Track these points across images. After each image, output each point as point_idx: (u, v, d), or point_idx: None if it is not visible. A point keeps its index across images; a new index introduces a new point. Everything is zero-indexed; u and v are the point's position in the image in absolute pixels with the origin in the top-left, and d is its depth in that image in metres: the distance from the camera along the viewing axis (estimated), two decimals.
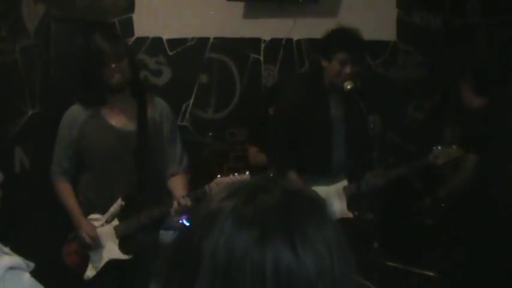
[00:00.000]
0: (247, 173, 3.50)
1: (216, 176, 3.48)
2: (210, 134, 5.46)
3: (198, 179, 5.22)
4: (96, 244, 3.54)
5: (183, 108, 5.90)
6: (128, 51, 3.72)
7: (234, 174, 3.51)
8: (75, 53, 5.22)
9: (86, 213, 3.61)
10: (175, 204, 3.55)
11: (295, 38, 6.03)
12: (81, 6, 5.68)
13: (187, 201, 3.48)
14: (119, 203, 3.52)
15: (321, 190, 4.11)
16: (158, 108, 3.73)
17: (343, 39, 4.10)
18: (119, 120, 3.61)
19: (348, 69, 4.01)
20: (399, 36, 6.34)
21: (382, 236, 4.79)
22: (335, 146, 4.20)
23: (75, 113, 3.63)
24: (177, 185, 3.70)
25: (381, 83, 6.28)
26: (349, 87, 3.95)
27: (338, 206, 4.16)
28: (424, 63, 6.38)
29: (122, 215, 3.55)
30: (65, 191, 3.67)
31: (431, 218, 5.06)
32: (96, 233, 3.52)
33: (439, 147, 4.30)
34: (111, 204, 3.55)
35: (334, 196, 4.17)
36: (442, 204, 4.95)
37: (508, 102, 5.41)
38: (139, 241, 3.63)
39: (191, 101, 5.92)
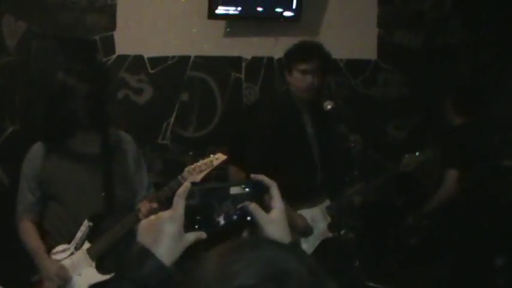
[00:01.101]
0: (218, 154, 3.48)
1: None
2: (191, 153, 5.41)
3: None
4: (69, 278, 3.35)
5: (164, 126, 5.88)
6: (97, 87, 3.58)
7: (202, 159, 3.49)
8: (55, 71, 5.20)
9: (54, 244, 3.43)
10: (142, 210, 3.42)
11: (276, 56, 6.03)
12: (63, 24, 5.66)
13: (153, 204, 3.40)
14: (86, 224, 3.37)
15: (307, 213, 4.09)
16: (121, 137, 3.64)
17: (301, 50, 4.14)
18: (81, 146, 3.50)
19: (309, 79, 4.01)
20: (380, 55, 6.37)
21: (363, 254, 4.80)
22: (314, 165, 4.17)
23: (36, 149, 3.46)
24: (145, 203, 3.60)
25: (362, 101, 6.29)
26: (329, 107, 3.94)
27: (323, 227, 4.14)
28: (405, 82, 6.41)
29: (91, 236, 3.43)
30: (28, 229, 3.49)
31: (414, 237, 5.06)
32: (66, 272, 3.34)
33: (407, 156, 4.31)
34: (78, 230, 3.41)
35: (319, 217, 4.14)
36: (424, 222, 4.96)
37: (488, 120, 5.46)
38: (119, 255, 3.40)
39: (172, 119, 5.90)
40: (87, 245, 3.41)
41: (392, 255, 5.31)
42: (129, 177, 3.61)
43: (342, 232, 4.10)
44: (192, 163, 3.45)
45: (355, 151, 4.18)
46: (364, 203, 4.36)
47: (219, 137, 5.94)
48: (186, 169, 3.44)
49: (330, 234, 4.15)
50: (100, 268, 3.41)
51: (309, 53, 4.12)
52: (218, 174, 5.86)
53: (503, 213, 4.79)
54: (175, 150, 5.90)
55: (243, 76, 6.03)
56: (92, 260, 3.39)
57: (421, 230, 5.00)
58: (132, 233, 3.31)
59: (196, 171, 3.44)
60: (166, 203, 3.35)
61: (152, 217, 1.43)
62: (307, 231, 4.06)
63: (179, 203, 1.40)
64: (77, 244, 3.39)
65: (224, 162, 3.59)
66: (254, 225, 1.45)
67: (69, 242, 3.42)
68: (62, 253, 3.41)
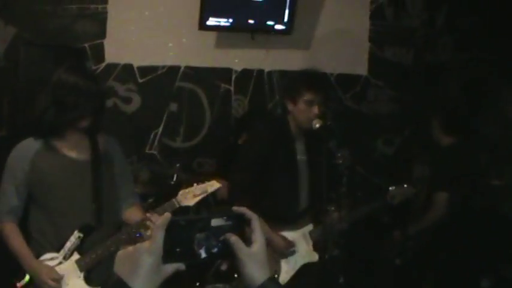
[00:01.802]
0: (212, 181, 3.47)
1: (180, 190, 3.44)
2: (178, 165, 5.39)
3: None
4: (62, 281, 3.31)
5: (152, 136, 5.85)
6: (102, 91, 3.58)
7: (197, 183, 3.47)
8: (44, 78, 5.16)
9: (40, 253, 3.35)
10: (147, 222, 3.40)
11: (266, 69, 6.02)
12: (52, 30, 5.62)
13: (156, 217, 3.35)
14: (76, 235, 3.32)
15: (288, 235, 4.08)
16: (110, 142, 3.61)
17: (309, 81, 4.05)
18: (71, 151, 3.43)
19: (315, 110, 3.95)
20: (371, 70, 6.37)
21: (348, 271, 4.77)
22: (300, 191, 4.16)
23: (25, 146, 3.37)
24: (135, 214, 3.59)
25: (351, 116, 6.29)
26: (317, 125, 3.91)
27: (305, 250, 4.13)
28: (395, 98, 6.41)
29: (81, 248, 3.39)
30: (13, 232, 3.38)
31: (399, 257, 5.05)
32: (58, 274, 3.28)
33: (394, 188, 4.30)
34: (67, 239, 3.33)
35: (301, 240, 4.13)
36: (410, 242, 4.94)
37: (476, 140, 5.46)
38: (107, 270, 3.28)
39: (160, 129, 5.87)
40: (76, 256, 3.36)
41: (378, 274, 5.29)
42: (116, 186, 3.59)
43: (327, 255, 4.09)
44: (187, 187, 3.43)
45: (343, 167, 4.14)
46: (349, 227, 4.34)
47: (207, 148, 5.93)
48: (180, 193, 3.43)
49: (312, 258, 4.13)
50: (88, 280, 3.37)
51: (317, 84, 4.06)
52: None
53: (490, 234, 4.78)
54: (162, 160, 5.86)
55: (232, 88, 6.01)
56: (81, 271, 3.36)
57: (407, 250, 4.98)
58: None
59: (191, 195, 3.44)
60: None
61: (130, 248, 1.40)
62: (287, 252, 4.04)
63: (158, 235, 1.36)
64: (66, 254, 3.35)
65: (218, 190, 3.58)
66: (234, 258, 1.42)
67: (57, 251, 3.37)
68: (50, 261, 3.35)
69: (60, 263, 3.35)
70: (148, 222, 3.33)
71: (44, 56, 5.33)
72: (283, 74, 6.02)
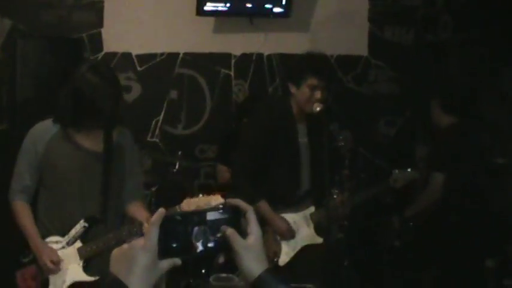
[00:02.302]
0: (216, 193, 3.50)
1: (185, 197, 3.46)
2: (180, 153, 5.39)
3: (170, 196, 5.23)
4: (62, 266, 3.44)
5: (153, 124, 5.84)
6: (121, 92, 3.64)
7: (202, 195, 3.50)
8: (42, 69, 5.16)
9: (46, 235, 3.45)
10: (145, 224, 3.49)
11: (265, 52, 5.99)
12: (49, 22, 5.60)
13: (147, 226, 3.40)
14: (81, 224, 3.42)
15: (289, 217, 4.10)
16: (124, 136, 3.65)
17: (313, 65, 4.03)
18: (86, 141, 3.51)
19: (318, 95, 3.95)
20: (371, 51, 6.34)
21: (352, 253, 4.79)
22: (302, 173, 4.16)
23: (42, 128, 3.50)
24: (140, 211, 3.64)
25: (352, 98, 6.26)
26: (318, 109, 3.90)
27: (306, 232, 4.13)
28: (396, 78, 6.38)
29: (84, 237, 3.47)
30: (24, 211, 3.48)
31: (399, 239, 5.05)
32: (58, 257, 3.39)
33: (397, 171, 4.31)
34: (72, 226, 3.44)
35: (302, 223, 4.14)
36: (410, 223, 4.94)
37: (478, 120, 5.43)
38: (107, 262, 3.47)
39: (161, 117, 5.86)
40: (78, 243, 3.45)
41: (379, 257, 5.29)
42: (124, 181, 3.65)
43: (331, 237, 4.10)
44: (192, 196, 3.45)
45: (345, 149, 4.14)
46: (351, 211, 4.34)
47: (209, 134, 5.92)
48: (185, 201, 3.45)
49: (313, 241, 4.14)
50: (86, 269, 3.45)
51: (321, 68, 4.05)
52: (207, 171, 5.89)
53: (494, 214, 4.77)
54: (164, 147, 5.85)
55: (232, 73, 5.98)
56: (81, 259, 3.44)
57: (406, 232, 4.99)
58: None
59: (194, 206, 3.45)
60: None
61: (125, 246, 1.39)
62: (289, 234, 4.05)
63: (152, 232, 1.36)
64: (70, 240, 3.46)
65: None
66: (230, 251, 1.41)
67: (62, 236, 3.46)
68: (54, 244, 3.45)
69: (63, 247, 3.44)
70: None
71: (41, 48, 5.32)
72: (282, 57, 5.99)
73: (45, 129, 3.48)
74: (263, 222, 3.93)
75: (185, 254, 1.39)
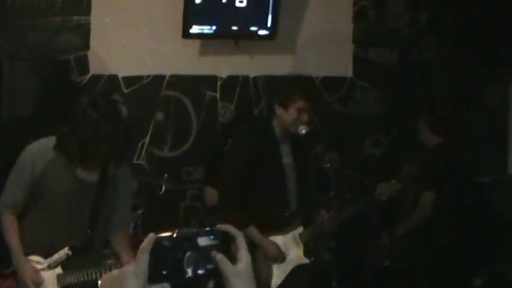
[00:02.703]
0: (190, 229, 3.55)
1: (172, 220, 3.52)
2: (166, 175, 5.38)
3: (156, 219, 5.21)
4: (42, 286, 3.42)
5: (139, 146, 5.82)
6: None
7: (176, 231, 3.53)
8: (28, 91, 5.15)
9: (28, 253, 3.42)
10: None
11: (251, 75, 6.02)
12: (36, 44, 5.59)
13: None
14: (65, 251, 3.40)
15: (278, 239, 4.09)
16: (120, 167, 3.64)
17: (301, 88, 4.05)
18: (83, 170, 3.50)
19: (305, 118, 3.97)
20: (356, 72, 6.39)
21: (340, 274, 4.78)
22: (289, 194, 4.16)
23: (42, 148, 3.45)
24: (124, 246, 3.66)
25: (338, 119, 6.30)
26: (303, 131, 3.92)
27: (296, 253, 4.14)
28: (381, 98, 6.43)
29: (66, 264, 3.45)
30: (11, 225, 3.46)
31: (389, 258, 5.06)
32: (40, 278, 3.36)
33: (381, 184, 4.33)
34: (56, 250, 3.42)
35: (291, 244, 4.14)
36: (400, 243, 4.95)
37: (463, 138, 5.48)
38: None
39: (147, 139, 5.85)
40: (59, 269, 3.43)
41: (369, 276, 5.30)
42: (113, 214, 3.64)
43: (319, 257, 4.11)
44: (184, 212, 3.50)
45: (331, 170, 4.16)
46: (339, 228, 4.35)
47: (195, 156, 5.92)
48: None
49: (303, 261, 4.14)
50: None
51: (309, 91, 4.08)
52: (194, 194, 5.89)
53: (480, 233, 4.80)
54: (150, 170, 5.85)
55: (218, 95, 6.00)
56: (58, 286, 3.42)
57: (397, 251, 5.00)
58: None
59: None
60: None
61: (115, 272, 1.39)
62: (279, 257, 4.06)
63: (142, 258, 1.35)
64: (51, 264, 3.44)
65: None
66: (220, 277, 1.41)
67: (44, 257, 3.44)
68: (36, 264, 3.43)
69: (44, 269, 3.42)
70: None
71: (28, 70, 5.31)
72: (268, 79, 6.02)
73: (44, 150, 3.45)
74: (253, 246, 3.94)
75: (175, 279, 1.39)
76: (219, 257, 1.41)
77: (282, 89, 4.20)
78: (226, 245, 1.44)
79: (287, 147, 4.16)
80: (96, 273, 3.39)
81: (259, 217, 4.02)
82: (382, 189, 4.31)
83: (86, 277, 3.40)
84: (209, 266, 1.41)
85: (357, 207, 4.34)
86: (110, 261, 3.53)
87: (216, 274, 1.41)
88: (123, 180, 3.68)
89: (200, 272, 1.40)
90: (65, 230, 3.46)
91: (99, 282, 3.36)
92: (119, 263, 3.47)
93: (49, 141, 3.46)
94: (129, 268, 1.36)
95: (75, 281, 3.41)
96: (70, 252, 3.41)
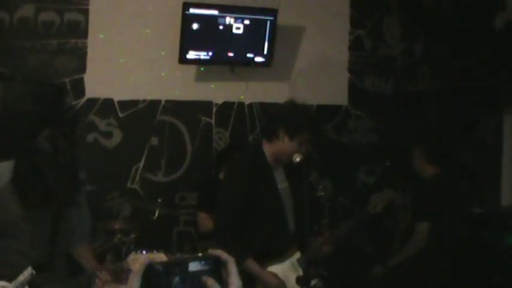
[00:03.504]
0: (160, 252, 3.55)
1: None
2: (159, 200, 5.37)
3: (149, 243, 5.18)
4: None
5: (133, 170, 5.82)
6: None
7: (146, 251, 3.55)
8: (23, 113, 5.14)
9: None
10: (97, 280, 3.51)
11: (247, 101, 6.04)
12: (32, 66, 5.60)
13: (106, 276, 3.47)
14: (29, 271, 3.40)
15: (278, 269, 4.04)
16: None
17: (312, 122, 4.04)
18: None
19: (303, 149, 3.95)
20: (351, 101, 6.42)
21: None
22: (287, 221, 4.14)
23: (3, 169, 3.50)
24: (86, 256, 3.68)
25: (333, 147, 6.31)
26: (298, 159, 3.90)
27: (295, 280, 4.10)
28: (375, 128, 6.46)
29: (32, 283, 3.44)
30: None
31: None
32: None
33: (374, 196, 4.29)
34: (19, 272, 3.41)
35: (290, 271, 4.10)
36: (392, 273, 4.93)
37: (458, 169, 5.49)
38: None
39: (141, 163, 5.84)
40: None
41: None
42: (74, 225, 3.62)
43: (312, 283, 4.06)
44: (136, 253, 3.55)
45: (324, 199, 4.14)
46: (334, 250, 4.33)
47: (189, 182, 5.91)
48: (130, 257, 3.51)
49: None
50: None
51: (316, 126, 4.08)
52: (186, 219, 5.87)
53: (473, 262, 4.80)
54: (144, 194, 5.83)
55: (213, 121, 6.01)
56: None
57: (389, 281, 4.98)
58: None
59: (138, 262, 3.50)
60: (120, 277, 3.45)
61: None
62: (280, 287, 4.02)
63: (134, 281, 1.36)
64: (17, 286, 3.40)
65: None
66: None
67: (9, 281, 3.36)
68: None
69: None
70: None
71: (23, 92, 5.31)
72: (263, 106, 6.06)
73: (2, 172, 3.45)
74: (253, 278, 3.91)
75: None
76: (210, 282, 1.41)
77: (293, 118, 4.11)
78: (217, 270, 1.45)
79: (280, 172, 4.14)
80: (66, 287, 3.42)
81: (257, 247, 3.97)
82: (375, 201, 4.27)
83: None
84: None
85: (351, 223, 4.30)
86: (76, 277, 3.53)
87: None
88: (79, 196, 3.67)
89: None
90: (27, 251, 3.44)
91: (127, 261, 3.42)
92: (87, 276, 3.48)
93: (5, 165, 3.44)
94: (159, 255, 1.36)
95: None
96: (34, 271, 3.41)
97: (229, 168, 4.34)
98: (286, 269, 4.09)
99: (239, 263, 1.48)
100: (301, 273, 4.09)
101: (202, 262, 1.44)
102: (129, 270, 3.50)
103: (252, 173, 3.99)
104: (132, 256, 3.50)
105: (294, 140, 3.92)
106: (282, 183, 4.11)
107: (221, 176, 5.03)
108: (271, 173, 4.06)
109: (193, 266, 1.43)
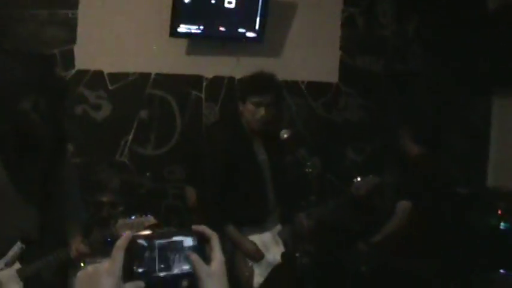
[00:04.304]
0: (149, 215, 3.58)
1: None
2: (148, 174, 5.37)
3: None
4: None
5: (122, 144, 5.80)
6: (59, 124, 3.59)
7: (135, 216, 3.57)
8: (12, 84, 5.10)
9: None
10: (73, 250, 3.54)
11: (237, 76, 6.03)
12: (21, 36, 5.55)
13: (84, 248, 3.49)
14: (18, 246, 3.42)
15: (257, 238, 4.11)
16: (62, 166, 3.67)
17: (257, 83, 4.15)
18: (26, 163, 3.48)
19: (261, 112, 4.05)
20: (341, 78, 6.42)
21: (317, 279, 4.79)
22: (266, 192, 4.19)
23: None
24: (76, 229, 3.71)
25: (322, 124, 6.33)
26: (285, 136, 3.95)
27: (276, 251, 4.16)
28: (365, 106, 6.47)
29: (23, 258, 3.46)
30: None
31: (365, 265, 5.07)
32: (2, 277, 3.37)
33: (359, 179, 4.34)
34: (9, 248, 3.42)
35: (271, 242, 4.17)
36: (376, 250, 4.96)
37: (445, 149, 5.51)
38: (46, 282, 3.56)
39: (130, 136, 5.82)
40: (17, 265, 3.45)
41: (345, 281, 5.31)
42: (63, 198, 3.63)
43: (297, 257, 4.11)
44: (125, 218, 3.56)
45: (312, 176, 4.17)
46: (317, 227, 4.36)
47: (178, 156, 5.90)
48: (120, 221, 3.53)
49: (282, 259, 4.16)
50: None
51: (263, 86, 4.14)
52: (176, 193, 5.88)
53: (456, 241, 4.84)
54: (133, 168, 5.83)
55: (203, 95, 6.00)
56: (21, 280, 3.44)
57: (373, 258, 5.01)
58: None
59: (128, 227, 3.59)
60: (98, 249, 3.57)
61: (90, 269, 1.40)
62: (257, 255, 4.07)
63: (117, 256, 1.37)
64: (8, 262, 3.43)
65: (155, 226, 3.66)
66: (193, 277, 1.43)
67: (0, 257, 3.43)
68: None
69: (1, 269, 3.42)
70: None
71: (12, 63, 5.26)
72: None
73: None
74: (233, 246, 3.96)
75: (149, 278, 1.41)
76: (194, 257, 1.43)
77: (240, 85, 4.29)
78: (200, 245, 1.46)
79: (259, 145, 4.20)
80: (54, 259, 3.47)
81: (238, 215, 4.05)
82: (359, 184, 4.32)
83: (45, 264, 3.46)
84: (183, 266, 1.43)
85: (334, 203, 4.35)
86: (65, 248, 3.54)
87: (190, 274, 1.43)
88: (68, 172, 3.68)
89: (174, 271, 1.43)
90: (15, 226, 3.44)
91: (75, 279, 3.41)
92: (75, 247, 3.52)
93: None
94: (104, 265, 1.37)
95: (36, 271, 3.45)
96: (23, 245, 3.42)
97: (211, 139, 4.42)
98: (266, 240, 4.16)
99: (219, 228, 1.50)
100: (281, 245, 4.15)
101: (187, 237, 1.46)
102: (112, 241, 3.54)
103: (232, 143, 4.08)
104: (120, 221, 3.52)
105: (246, 104, 4.04)
106: (260, 155, 4.17)
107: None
108: (250, 143, 4.13)
109: (178, 241, 1.45)
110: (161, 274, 1.41)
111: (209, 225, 1.50)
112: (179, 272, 1.43)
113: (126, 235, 1.39)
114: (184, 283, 1.46)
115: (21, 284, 3.43)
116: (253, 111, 4.07)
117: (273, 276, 4.12)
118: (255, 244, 4.10)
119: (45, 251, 3.49)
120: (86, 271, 1.39)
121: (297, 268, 4.19)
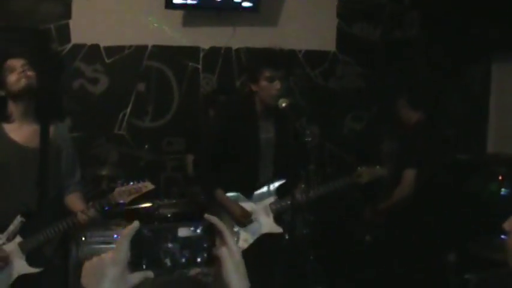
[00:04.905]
0: (146, 180, 3.59)
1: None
2: (146, 146, 5.37)
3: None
4: (8, 261, 3.39)
5: (120, 117, 5.80)
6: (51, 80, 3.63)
7: (133, 182, 3.57)
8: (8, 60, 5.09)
9: None
10: (77, 218, 3.54)
11: (234, 46, 6.00)
12: (16, 12, 5.52)
13: (83, 216, 3.51)
14: (18, 220, 3.43)
15: (247, 205, 4.13)
16: (60, 130, 3.66)
17: (267, 58, 4.10)
18: (21, 136, 3.49)
19: (277, 85, 3.99)
20: (339, 46, 6.39)
21: (319, 248, 4.82)
22: (262, 168, 4.19)
23: None
24: (75, 202, 3.70)
25: (320, 93, 6.31)
26: (283, 105, 3.92)
27: (265, 221, 4.16)
28: (363, 74, 6.44)
29: (23, 231, 3.46)
30: None
31: (370, 234, 5.09)
32: (5, 253, 3.38)
33: (363, 167, 4.32)
34: (9, 222, 3.43)
35: (261, 212, 4.17)
36: (380, 219, 4.97)
37: (443, 116, 5.50)
38: (48, 254, 3.57)
39: (128, 109, 5.82)
40: (18, 238, 3.46)
41: (349, 251, 5.34)
42: (62, 173, 3.65)
43: (293, 228, 4.13)
44: (123, 185, 3.54)
45: (311, 145, 4.15)
46: (321, 198, 4.36)
47: (176, 127, 5.90)
48: (117, 190, 3.54)
49: (273, 230, 4.16)
50: (30, 261, 3.47)
51: (276, 60, 4.09)
52: (174, 165, 5.89)
53: (456, 209, 4.84)
54: (131, 140, 5.83)
55: (200, 66, 5.98)
56: (23, 253, 3.46)
57: (377, 227, 5.02)
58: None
59: (126, 193, 3.60)
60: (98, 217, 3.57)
61: (95, 258, 1.39)
62: (244, 219, 4.08)
63: (123, 245, 1.36)
64: (9, 236, 3.45)
65: (152, 191, 3.69)
66: (199, 266, 1.43)
67: (1, 232, 3.44)
68: None
69: (3, 243, 3.44)
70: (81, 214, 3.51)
71: (8, 38, 5.25)
72: (251, 51, 6.00)
73: None
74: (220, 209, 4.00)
75: (154, 268, 1.41)
76: (222, 250, 1.40)
77: (250, 63, 4.24)
78: (209, 236, 1.46)
79: (268, 123, 4.17)
80: (54, 231, 3.45)
81: (231, 185, 4.08)
82: (362, 172, 4.30)
83: (46, 237, 3.45)
84: (189, 257, 1.43)
85: (332, 185, 4.34)
86: (65, 219, 3.55)
87: (195, 264, 1.43)
88: (66, 141, 3.70)
89: (180, 261, 1.43)
90: (14, 200, 3.45)
91: (114, 195, 3.49)
92: (73, 218, 3.51)
93: None
94: (109, 255, 1.36)
95: (37, 243, 3.45)
96: (23, 219, 3.43)
97: (216, 110, 4.42)
98: (256, 209, 4.17)
99: (210, 191, 1.49)
100: (271, 217, 4.16)
101: (192, 228, 1.45)
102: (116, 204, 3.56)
103: (236, 117, 4.07)
104: (118, 189, 3.53)
105: (259, 81, 4.00)
106: (266, 133, 4.15)
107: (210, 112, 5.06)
108: (255, 121, 4.10)
109: (183, 232, 1.44)
110: (167, 265, 1.42)
111: (201, 189, 1.50)
112: (184, 262, 1.43)
113: (133, 225, 1.38)
114: (193, 271, 1.46)
115: (24, 256, 3.45)
116: (268, 88, 3.99)
117: (261, 245, 4.13)
118: (242, 208, 4.11)
119: (45, 224, 3.49)
120: (91, 261, 1.39)
121: (297, 238, 4.21)
